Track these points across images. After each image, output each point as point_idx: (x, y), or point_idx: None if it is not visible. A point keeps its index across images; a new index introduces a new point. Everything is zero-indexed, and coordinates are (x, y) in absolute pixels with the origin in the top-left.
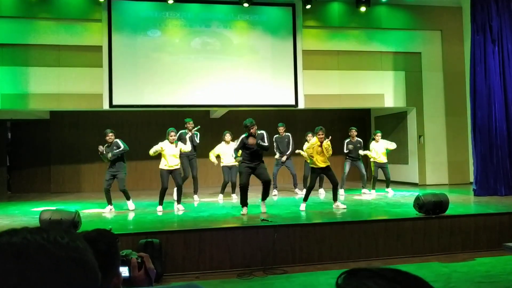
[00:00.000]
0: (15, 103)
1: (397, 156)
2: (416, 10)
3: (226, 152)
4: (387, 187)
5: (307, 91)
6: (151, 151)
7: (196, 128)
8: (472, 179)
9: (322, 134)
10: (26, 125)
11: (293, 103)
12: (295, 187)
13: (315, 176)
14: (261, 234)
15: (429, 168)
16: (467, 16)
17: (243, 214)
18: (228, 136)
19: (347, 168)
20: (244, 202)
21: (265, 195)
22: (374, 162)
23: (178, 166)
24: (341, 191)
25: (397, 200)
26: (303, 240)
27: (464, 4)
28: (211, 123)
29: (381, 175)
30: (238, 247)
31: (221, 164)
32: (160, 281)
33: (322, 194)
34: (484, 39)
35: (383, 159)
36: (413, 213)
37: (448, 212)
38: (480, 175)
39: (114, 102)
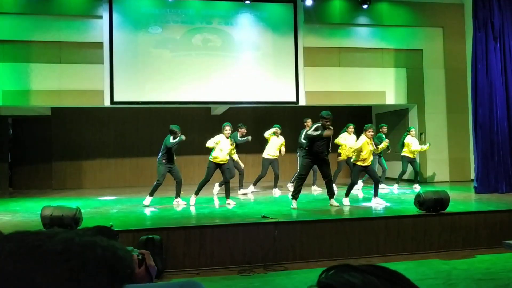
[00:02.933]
0: (16, 100)
1: (398, 153)
2: (418, 7)
3: (273, 144)
4: (416, 182)
5: (308, 88)
6: (210, 144)
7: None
8: (473, 176)
9: (373, 132)
10: (28, 121)
11: (294, 100)
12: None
13: (358, 173)
14: (261, 231)
15: (430, 165)
16: (469, 13)
17: (293, 208)
18: (278, 130)
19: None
20: (295, 195)
21: (330, 192)
22: (407, 156)
23: (227, 162)
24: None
25: (397, 197)
26: (303, 237)
27: (466, 1)
28: (212, 120)
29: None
30: (239, 244)
31: (264, 156)
32: (161, 277)
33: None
34: (486, 36)
35: (413, 154)
36: (414, 210)
37: (449, 209)
38: (481, 172)
39: (115, 99)
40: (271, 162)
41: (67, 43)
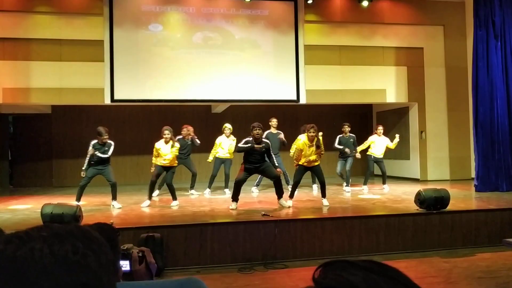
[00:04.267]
0: (16, 97)
1: (399, 152)
2: (419, 5)
3: (223, 145)
4: (384, 183)
5: (308, 86)
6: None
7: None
8: (473, 174)
9: (314, 132)
10: (28, 119)
11: (295, 98)
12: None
13: (301, 172)
14: (262, 229)
15: (430, 163)
16: (469, 11)
17: (231, 209)
18: (227, 130)
19: (339, 167)
20: (235, 197)
21: (279, 192)
22: (372, 156)
23: (173, 165)
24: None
25: (398, 195)
26: (304, 235)
27: None
28: (212, 118)
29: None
30: (239, 242)
31: (216, 155)
32: (161, 275)
33: (315, 190)
34: (487, 34)
35: (380, 153)
36: (414, 208)
37: (449, 207)
38: (482, 170)
39: (116, 97)
40: (223, 162)
41: (67, 41)
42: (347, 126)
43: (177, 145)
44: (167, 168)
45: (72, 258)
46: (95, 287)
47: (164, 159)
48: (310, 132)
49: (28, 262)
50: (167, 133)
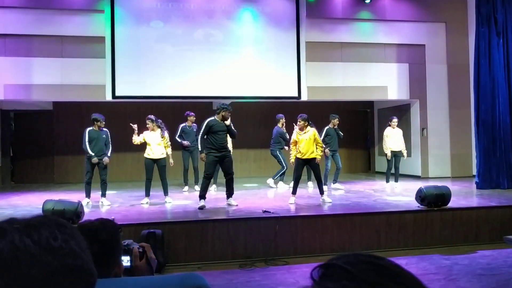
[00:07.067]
0: (18, 94)
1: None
2: (421, 1)
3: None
4: (387, 181)
5: (310, 83)
6: (136, 138)
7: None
8: (474, 172)
9: (301, 121)
10: (29, 116)
11: (296, 95)
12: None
13: (298, 166)
14: (263, 226)
15: (431, 160)
16: (472, 8)
17: (200, 208)
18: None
19: (329, 163)
20: (203, 195)
21: (229, 191)
22: (390, 150)
23: (164, 156)
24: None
25: (399, 192)
26: (304, 232)
27: None
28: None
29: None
30: (240, 238)
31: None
32: (162, 271)
33: (310, 187)
34: (489, 31)
35: (398, 147)
36: (415, 205)
37: (450, 204)
38: (483, 168)
39: (117, 93)
40: None
41: (69, 37)
42: (337, 119)
43: (166, 135)
44: (157, 161)
45: (55, 244)
46: (81, 268)
47: (149, 150)
48: (298, 122)
49: (15, 253)
50: (148, 122)
